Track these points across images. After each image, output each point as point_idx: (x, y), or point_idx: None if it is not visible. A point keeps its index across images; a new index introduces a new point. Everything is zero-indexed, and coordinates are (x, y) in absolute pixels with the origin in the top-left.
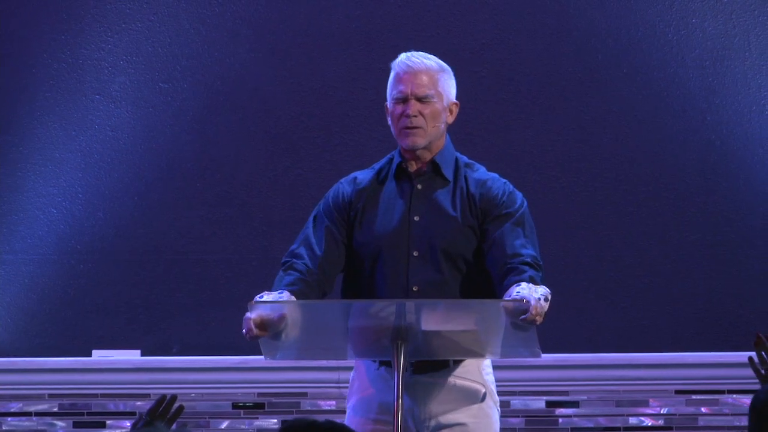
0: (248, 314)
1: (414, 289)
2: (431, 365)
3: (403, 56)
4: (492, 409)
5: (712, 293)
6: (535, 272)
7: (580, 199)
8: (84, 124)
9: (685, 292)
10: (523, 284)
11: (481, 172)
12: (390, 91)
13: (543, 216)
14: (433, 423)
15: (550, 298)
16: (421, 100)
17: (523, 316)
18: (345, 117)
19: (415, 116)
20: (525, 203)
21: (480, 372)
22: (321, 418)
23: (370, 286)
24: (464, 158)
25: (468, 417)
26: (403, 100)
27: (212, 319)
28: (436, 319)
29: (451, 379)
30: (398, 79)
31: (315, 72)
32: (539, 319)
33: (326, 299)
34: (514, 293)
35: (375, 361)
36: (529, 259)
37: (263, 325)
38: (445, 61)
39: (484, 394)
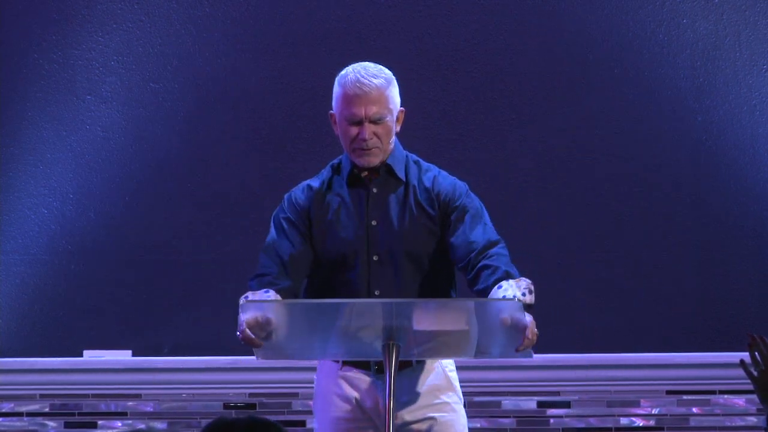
0: (242, 316)
1: (376, 293)
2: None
3: (351, 74)
4: (458, 404)
5: (704, 293)
6: (505, 260)
7: (571, 200)
8: (75, 124)
9: (677, 292)
10: (504, 284)
11: (431, 170)
12: (340, 109)
13: (533, 216)
14: (399, 421)
15: (533, 288)
16: (375, 122)
17: (518, 344)
18: None
19: (371, 138)
20: (471, 192)
21: (443, 369)
22: (311, 418)
23: (333, 293)
24: (413, 156)
25: (436, 412)
26: (357, 122)
27: (203, 320)
28: (428, 319)
29: (416, 377)
30: (349, 101)
31: (305, 72)
32: (534, 340)
33: (319, 299)
34: (500, 295)
35: (338, 362)
36: (495, 249)
37: (256, 327)
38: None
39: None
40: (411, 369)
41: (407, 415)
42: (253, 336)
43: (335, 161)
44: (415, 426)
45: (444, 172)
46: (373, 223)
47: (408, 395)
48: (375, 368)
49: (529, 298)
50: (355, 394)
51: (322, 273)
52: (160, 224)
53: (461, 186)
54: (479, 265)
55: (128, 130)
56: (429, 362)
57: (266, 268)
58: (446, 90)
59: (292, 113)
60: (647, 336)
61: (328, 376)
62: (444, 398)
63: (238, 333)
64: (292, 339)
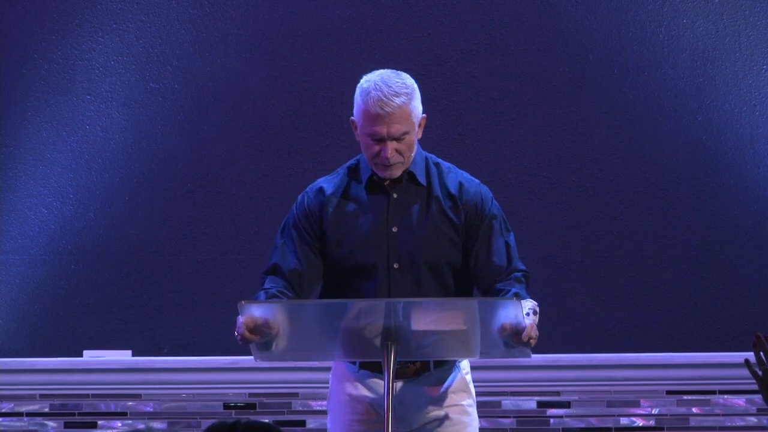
0: (240, 318)
1: None
2: (413, 370)
3: (373, 92)
4: (472, 407)
5: (703, 293)
6: (520, 285)
7: (571, 200)
8: (75, 124)
9: (677, 292)
10: None
11: (453, 172)
12: (362, 124)
13: (534, 216)
14: (415, 425)
15: (538, 310)
16: (397, 139)
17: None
18: (336, 117)
19: (393, 156)
20: (495, 200)
21: (461, 372)
22: (311, 418)
23: None
24: (432, 157)
25: (452, 414)
26: (379, 140)
27: (203, 320)
28: (427, 319)
29: (434, 381)
30: (371, 120)
31: (306, 72)
32: (533, 342)
33: (318, 300)
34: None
35: (354, 363)
36: (516, 274)
37: (255, 330)
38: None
39: (446, 416)
40: (428, 373)
41: (422, 417)
42: (251, 337)
43: (352, 163)
44: (429, 426)
45: (466, 174)
46: (394, 229)
47: (425, 399)
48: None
49: (533, 318)
50: (370, 397)
51: (337, 279)
52: (159, 224)
53: (488, 195)
54: (495, 288)
55: (128, 130)
56: (448, 366)
57: (272, 282)
58: (446, 90)
59: (291, 113)
60: (647, 336)
61: (343, 378)
62: (459, 401)
63: (236, 334)
64: (290, 341)
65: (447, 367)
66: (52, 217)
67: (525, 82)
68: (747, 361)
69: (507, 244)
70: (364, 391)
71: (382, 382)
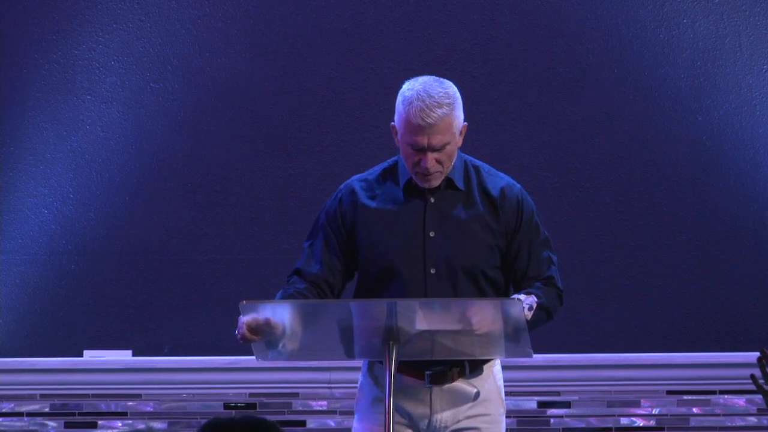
0: (241, 317)
1: None
2: (449, 376)
3: (415, 102)
4: (502, 415)
5: (704, 294)
6: (541, 292)
7: (571, 200)
8: (75, 124)
9: (677, 292)
10: (515, 296)
11: (494, 176)
12: (402, 133)
13: None
14: (449, 431)
15: (534, 306)
16: (438, 150)
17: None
18: (336, 117)
19: (433, 166)
20: (533, 204)
21: (494, 379)
22: (311, 418)
23: None
24: (471, 159)
25: (481, 423)
26: (420, 150)
27: (203, 320)
28: (428, 319)
29: (467, 387)
30: (412, 130)
31: (306, 72)
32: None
33: (318, 300)
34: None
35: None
36: (548, 282)
37: (256, 330)
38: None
39: (477, 393)
40: (464, 379)
41: (453, 423)
42: (252, 338)
43: (388, 164)
44: None
45: (507, 178)
46: (431, 234)
47: (458, 403)
48: (429, 378)
49: (527, 314)
50: (402, 402)
51: (370, 282)
52: (160, 224)
53: (529, 202)
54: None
55: (128, 130)
56: (479, 371)
57: (293, 283)
58: None
59: (292, 113)
60: (647, 336)
61: (373, 380)
62: (492, 410)
63: (236, 333)
64: (292, 341)
65: (480, 371)
66: (52, 217)
67: (525, 81)
68: (753, 376)
69: (551, 262)
70: (397, 395)
71: (419, 388)
